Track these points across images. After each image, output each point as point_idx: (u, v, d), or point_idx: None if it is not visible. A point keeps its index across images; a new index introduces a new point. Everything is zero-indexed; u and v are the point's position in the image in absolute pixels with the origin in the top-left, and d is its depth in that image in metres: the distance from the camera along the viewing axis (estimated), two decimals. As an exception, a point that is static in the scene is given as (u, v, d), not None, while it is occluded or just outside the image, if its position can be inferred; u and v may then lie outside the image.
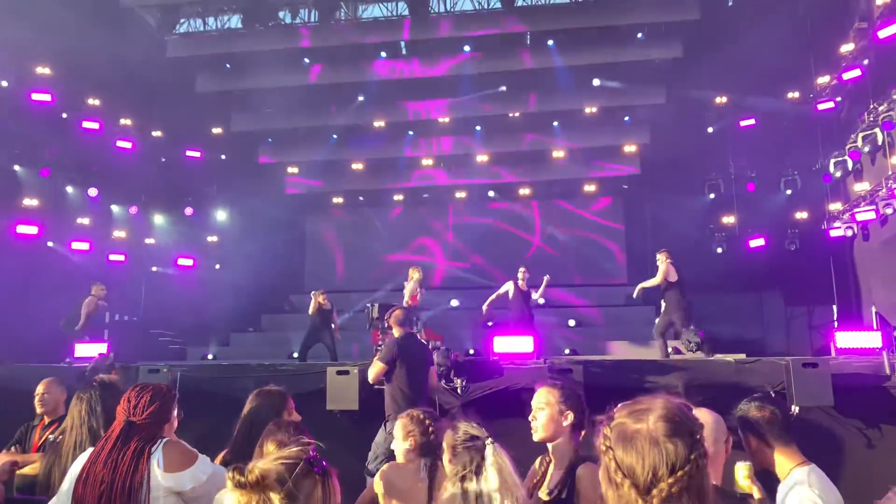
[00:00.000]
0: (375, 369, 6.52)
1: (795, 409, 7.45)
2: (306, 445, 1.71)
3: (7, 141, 13.68)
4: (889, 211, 12.55)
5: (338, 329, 12.34)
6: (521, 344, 9.02)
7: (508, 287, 11.39)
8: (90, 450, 2.94)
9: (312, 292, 12.22)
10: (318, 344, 11.99)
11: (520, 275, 11.43)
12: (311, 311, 12.08)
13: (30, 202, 14.43)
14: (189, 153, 17.59)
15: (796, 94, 15.64)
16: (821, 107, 14.83)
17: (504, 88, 17.49)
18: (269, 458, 1.68)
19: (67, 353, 9.60)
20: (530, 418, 3.31)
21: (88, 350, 8.91)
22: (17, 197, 14.24)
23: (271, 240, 18.08)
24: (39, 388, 5.03)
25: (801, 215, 15.94)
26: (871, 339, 8.46)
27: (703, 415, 3.07)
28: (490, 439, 2.73)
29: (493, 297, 11.46)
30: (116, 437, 2.83)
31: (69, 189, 15.63)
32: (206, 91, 16.81)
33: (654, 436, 1.43)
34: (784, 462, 3.10)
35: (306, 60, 16.74)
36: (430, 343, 9.03)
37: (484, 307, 11.49)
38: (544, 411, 3.24)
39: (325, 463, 1.69)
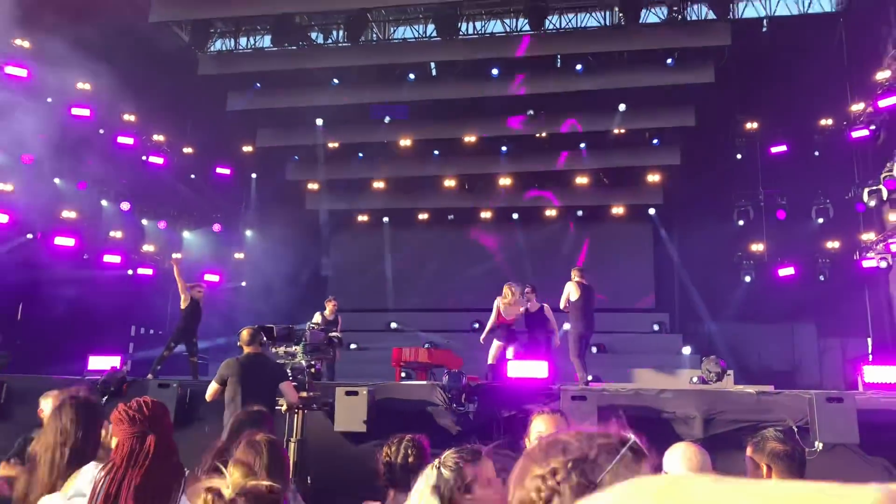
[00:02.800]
0: (210, 389, 6.67)
1: (819, 445, 7.13)
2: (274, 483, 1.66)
3: (49, 154, 13.95)
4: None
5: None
6: (535, 369, 8.82)
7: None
8: (91, 469, 2.75)
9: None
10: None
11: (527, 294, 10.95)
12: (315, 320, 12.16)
13: (68, 214, 14.66)
14: (219, 170, 17.79)
15: (830, 122, 15.31)
16: (855, 134, 14.47)
17: (531, 112, 17.41)
18: (244, 486, 1.56)
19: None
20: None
21: (102, 363, 8.90)
22: (56, 209, 14.48)
23: (296, 257, 18.11)
24: (42, 401, 4.97)
25: (833, 245, 15.53)
26: (900, 374, 8.05)
27: (683, 450, 2.88)
28: (437, 462, 2.63)
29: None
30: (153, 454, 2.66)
31: (104, 202, 15.86)
32: (236, 109, 16.99)
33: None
34: None
35: (335, 81, 16.85)
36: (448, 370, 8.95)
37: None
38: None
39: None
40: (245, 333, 6.87)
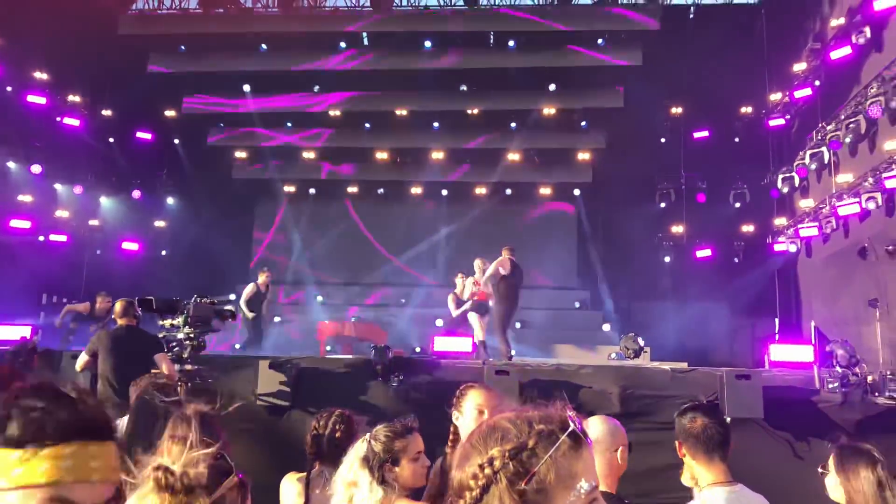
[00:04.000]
0: (80, 360, 6.87)
1: (728, 420, 7.47)
2: (218, 449, 1.63)
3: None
4: (830, 229, 12.76)
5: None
6: (459, 344, 8.96)
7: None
8: None
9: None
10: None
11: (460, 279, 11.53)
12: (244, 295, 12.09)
13: (-32, 177, 13.85)
14: (140, 135, 17.12)
15: (749, 109, 15.87)
16: (772, 123, 15.06)
17: (464, 88, 17.44)
18: (191, 459, 1.52)
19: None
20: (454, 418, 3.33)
21: (11, 333, 8.51)
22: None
23: (221, 227, 17.68)
24: None
25: (748, 228, 16.16)
26: (803, 352, 8.53)
27: (595, 423, 2.99)
28: (368, 436, 2.71)
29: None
30: None
31: (11, 164, 15.04)
32: (159, 72, 16.34)
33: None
34: (703, 477, 3.01)
35: (264, 47, 16.42)
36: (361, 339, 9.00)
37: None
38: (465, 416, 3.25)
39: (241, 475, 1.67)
40: (118, 306, 6.98)
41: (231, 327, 11.63)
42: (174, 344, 6.98)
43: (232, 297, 12.98)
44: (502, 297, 10.22)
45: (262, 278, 12.81)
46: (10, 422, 1.14)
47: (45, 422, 1.14)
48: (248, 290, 12.57)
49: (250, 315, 12.28)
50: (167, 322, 7.02)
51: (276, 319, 17.29)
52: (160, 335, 7.03)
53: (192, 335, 6.97)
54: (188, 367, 6.92)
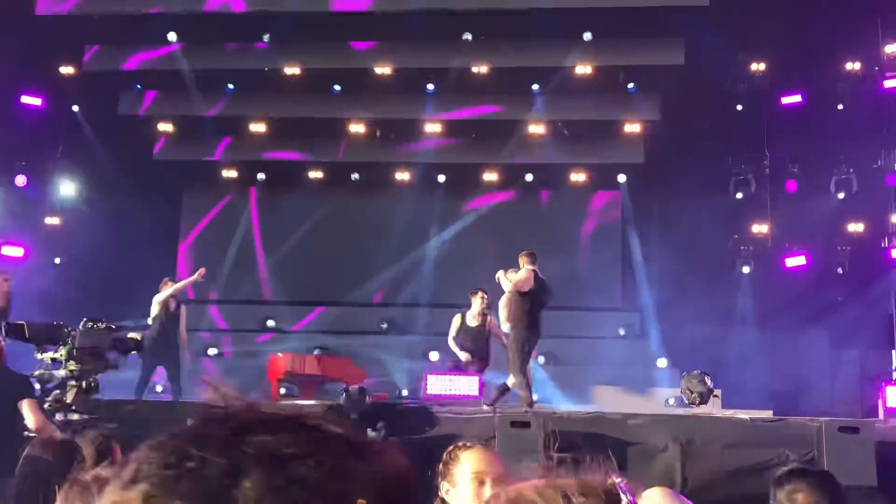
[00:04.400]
0: None
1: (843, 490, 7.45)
2: None
3: None
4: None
5: (186, 345, 12.31)
6: (462, 384, 8.93)
7: (455, 324, 11.50)
8: None
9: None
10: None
11: (474, 301, 11.47)
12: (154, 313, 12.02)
13: None
14: (26, 99, 17.08)
15: (857, 66, 15.84)
16: (888, 84, 15.04)
17: (468, 37, 17.41)
18: None
19: None
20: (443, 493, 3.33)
21: None
22: None
23: (138, 225, 17.65)
24: None
25: (856, 227, 16.16)
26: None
27: (654, 497, 2.97)
28: None
29: (451, 343, 11.42)
30: None
31: None
32: (51, 14, 16.32)
33: None
34: None
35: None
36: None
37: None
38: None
39: None
40: None
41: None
42: (53, 386, 6.91)
43: (150, 320, 12.98)
44: (519, 320, 10.15)
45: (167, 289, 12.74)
46: None
47: None
48: (154, 312, 12.58)
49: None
50: (47, 356, 6.96)
51: (212, 352, 17.27)
52: (36, 373, 6.97)
53: (77, 373, 6.90)
54: (74, 416, 6.84)
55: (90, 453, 4.31)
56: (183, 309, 12.78)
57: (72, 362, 6.87)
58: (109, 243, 16.98)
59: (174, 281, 13.29)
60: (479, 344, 11.32)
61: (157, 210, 18.91)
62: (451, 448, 3.38)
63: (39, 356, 7.02)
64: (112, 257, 16.85)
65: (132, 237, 17.17)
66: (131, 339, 7.39)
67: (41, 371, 6.94)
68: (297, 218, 19.33)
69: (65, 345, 6.86)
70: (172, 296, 12.69)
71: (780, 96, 16.29)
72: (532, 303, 10.19)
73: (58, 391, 6.90)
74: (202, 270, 13.16)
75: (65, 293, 16.12)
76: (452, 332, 11.42)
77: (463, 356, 11.10)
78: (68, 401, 6.86)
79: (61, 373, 6.89)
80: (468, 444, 3.41)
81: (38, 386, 6.92)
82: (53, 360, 6.92)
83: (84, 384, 6.94)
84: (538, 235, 17.74)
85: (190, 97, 17.92)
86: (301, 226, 19.27)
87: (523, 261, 10.46)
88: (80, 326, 6.99)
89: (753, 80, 16.72)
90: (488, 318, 11.38)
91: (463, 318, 11.48)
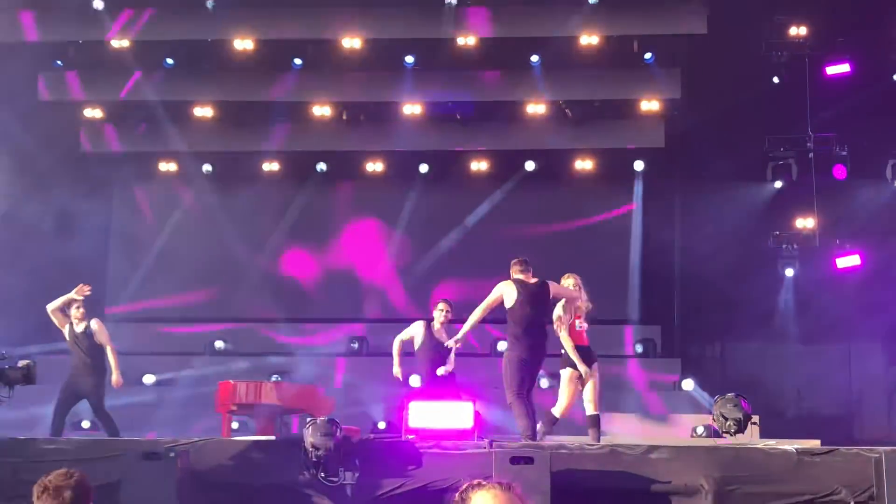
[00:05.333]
0: None
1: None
2: None
3: None
4: None
5: (118, 371, 12.15)
6: (453, 415, 8.86)
7: (415, 331, 11.65)
8: None
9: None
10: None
11: (437, 312, 11.67)
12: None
13: None
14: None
15: (916, 29, 15.89)
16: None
17: (454, 1, 17.35)
18: None
19: None
20: None
21: None
22: None
23: (59, 226, 17.54)
24: None
25: (919, 221, 16.17)
26: None
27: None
28: None
29: (397, 345, 11.82)
30: None
31: None
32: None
33: None
34: None
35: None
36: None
37: (395, 365, 11.76)
38: None
39: None
40: None
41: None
42: None
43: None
44: (514, 339, 10.18)
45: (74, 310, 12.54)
46: None
47: None
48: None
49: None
50: None
51: (149, 380, 17.13)
52: None
53: None
54: None
55: None
56: (98, 324, 12.53)
57: None
58: (27, 248, 16.85)
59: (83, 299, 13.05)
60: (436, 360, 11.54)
61: (83, 209, 18.76)
62: (464, 488, 3.31)
63: None
64: (28, 263, 16.67)
65: (54, 242, 17.04)
66: (23, 367, 7.24)
67: None
68: (250, 217, 19.26)
69: None
70: (60, 313, 12.38)
71: (824, 66, 16.31)
72: (528, 315, 10.18)
73: None
74: (82, 287, 12.79)
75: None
76: (404, 335, 11.73)
77: (396, 369, 11.62)
78: None
79: None
80: (481, 482, 3.33)
81: None
82: None
83: None
84: (537, 236, 17.72)
85: (122, 75, 17.85)
86: (256, 226, 19.19)
87: (515, 268, 10.46)
88: None
89: (792, 47, 16.69)
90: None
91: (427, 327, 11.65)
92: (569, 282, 10.59)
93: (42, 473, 4.33)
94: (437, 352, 11.45)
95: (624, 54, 17.60)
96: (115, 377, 11.98)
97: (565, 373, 10.32)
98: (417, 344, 11.60)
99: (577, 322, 10.34)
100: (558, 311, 10.33)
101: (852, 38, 15.97)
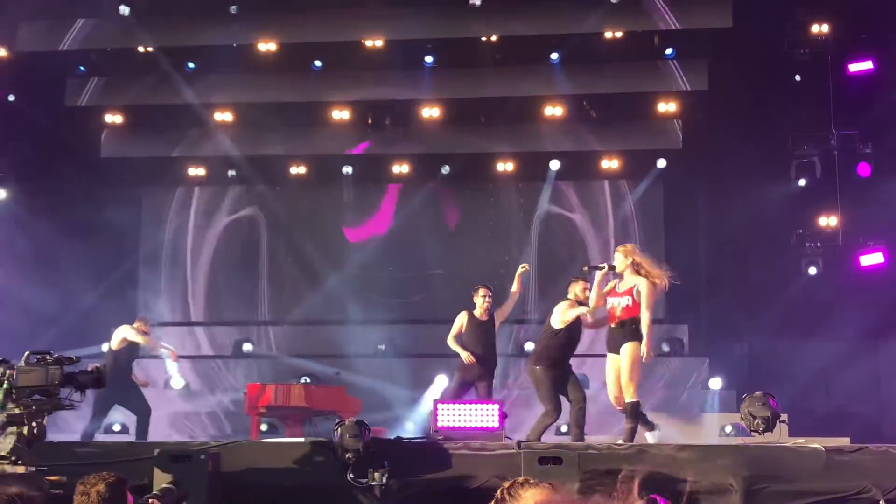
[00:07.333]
0: None
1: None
2: None
3: None
4: None
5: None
6: (479, 415, 8.90)
7: (461, 321, 11.75)
8: None
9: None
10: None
11: (479, 299, 11.79)
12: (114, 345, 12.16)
13: None
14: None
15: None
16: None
17: (476, 0, 17.40)
18: None
19: None
20: None
21: None
22: None
23: (86, 237, 17.64)
24: None
25: (943, 218, 16.06)
26: None
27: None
28: None
29: (452, 342, 11.76)
30: None
31: None
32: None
33: None
34: None
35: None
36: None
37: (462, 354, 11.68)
38: None
39: None
40: None
41: None
42: None
43: (105, 346, 12.99)
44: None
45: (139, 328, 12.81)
46: None
47: None
48: (122, 336, 12.56)
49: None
50: None
51: (178, 384, 17.21)
52: None
53: (16, 417, 6.79)
54: (18, 468, 6.73)
55: None
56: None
57: (10, 405, 6.75)
58: (55, 258, 16.94)
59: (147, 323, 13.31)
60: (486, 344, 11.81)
61: (110, 217, 18.83)
62: (507, 485, 3.35)
63: None
64: (59, 273, 16.79)
65: (84, 249, 17.12)
66: (94, 371, 7.27)
67: None
68: (277, 221, 19.35)
69: (0, 385, 6.74)
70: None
71: (847, 62, 16.23)
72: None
73: None
74: (174, 354, 13.39)
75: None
76: (454, 330, 11.79)
77: (465, 355, 11.47)
78: (4, 451, 6.73)
79: None
80: (527, 480, 3.38)
81: None
82: None
83: (26, 430, 6.82)
84: (560, 236, 17.75)
85: (144, 81, 17.94)
86: (282, 230, 19.28)
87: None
88: (22, 362, 6.88)
89: (815, 44, 16.61)
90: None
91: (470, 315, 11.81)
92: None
93: (73, 476, 4.42)
94: (483, 332, 11.73)
95: (645, 50, 17.60)
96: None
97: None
98: (464, 334, 11.71)
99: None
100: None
101: (875, 35, 15.88)
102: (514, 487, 3.32)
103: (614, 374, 10.19)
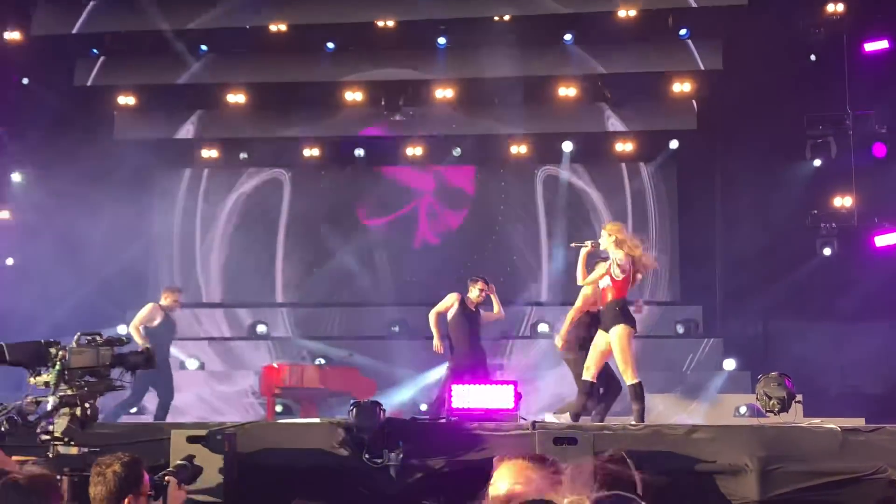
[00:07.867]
0: None
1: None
2: None
3: None
4: None
5: None
6: (495, 395, 8.91)
7: (450, 302, 11.96)
8: None
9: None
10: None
11: (475, 291, 11.97)
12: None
13: None
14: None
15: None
16: None
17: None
18: None
19: None
20: None
21: None
22: None
23: (103, 218, 17.67)
24: None
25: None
26: None
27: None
28: None
29: (433, 318, 12.00)
30: None
31: None
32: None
33: None
34: None
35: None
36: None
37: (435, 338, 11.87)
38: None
39: None
40: None
41: None
42: (35, 417, 6.80)
43: (123, 329, 13.03)
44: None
45: (167, 299, 12.83)
46: None
47: None
48: (144, 315, 12.60)
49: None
50: (39, 380, 6.85)
51: (192, 364, 17.28)
52: (27, 400, 6.86)
53: (69, 398, 6.80)
54: (72, 450, 6.74)
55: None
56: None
57: (63, 386, 6.75)
58: (73, 239, 16.98)
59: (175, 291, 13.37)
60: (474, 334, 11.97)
61: (126, 198, 18.88)
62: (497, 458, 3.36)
63: (32, 381, 6.87)
64: (76, 253, 16.83)
65: (101, 230, 17.14)
66: (144, 351, 7.28)
67: (31, 399, 6.77)
68: (288, 201, 19.37)
69: (53, 366, 6.74)
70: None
71: (862, 42, 16.16)
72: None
73: (44, 422, 6.74)
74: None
75: (16, 302, 16.19)
76: (440, 307, 11.97)
77: (436, 342, 11.79)
78: (58, 432, 6.72)
79: (50, 400, 6.75)
80: (509, 457, 3.38)
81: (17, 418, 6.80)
82: (47, 384, 6.78)
83: (79, 411, 6.81)
84: (574, 216, 17.73)
85: (157, 62, 17.97)
86: (295, 210, 19.31)
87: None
88: (73, 343, 6.89)
89: (830, 24, 16.51)
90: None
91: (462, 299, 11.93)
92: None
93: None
94: (471, 321, 11.86)
95: (659, 29, 17.53)
96: None
97: None
98: (450, 316, 11.82)
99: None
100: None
101: (891, 14, 15.79)
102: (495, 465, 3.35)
103: (599, 349, 10.17)
